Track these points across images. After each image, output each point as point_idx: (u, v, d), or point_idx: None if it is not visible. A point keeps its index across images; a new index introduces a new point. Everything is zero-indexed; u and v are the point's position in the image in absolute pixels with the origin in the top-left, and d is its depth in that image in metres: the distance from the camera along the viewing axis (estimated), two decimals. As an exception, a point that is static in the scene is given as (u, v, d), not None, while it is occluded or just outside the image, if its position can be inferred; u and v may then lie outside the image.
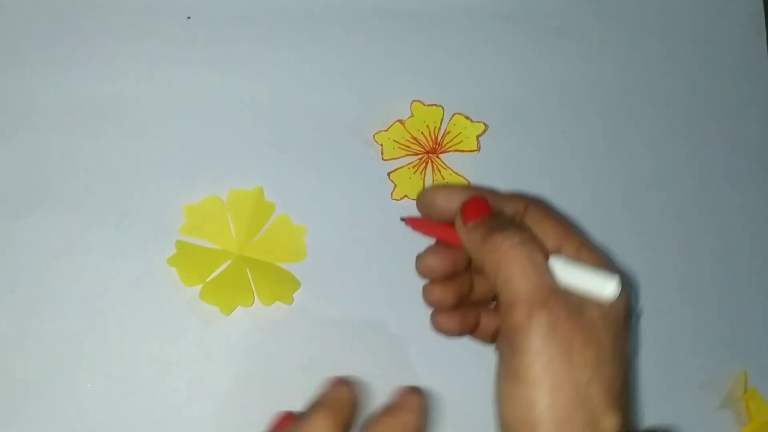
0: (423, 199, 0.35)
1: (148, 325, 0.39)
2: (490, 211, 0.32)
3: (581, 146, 0.47)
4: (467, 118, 0.46)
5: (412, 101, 0.45)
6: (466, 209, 0.32)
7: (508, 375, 0.29)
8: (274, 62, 0.45)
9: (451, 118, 0.45)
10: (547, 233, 0.32)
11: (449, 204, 0.33)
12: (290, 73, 0.45)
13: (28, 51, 0.43)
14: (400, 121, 0.45)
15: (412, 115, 0.45)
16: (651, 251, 0.46)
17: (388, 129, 0.45)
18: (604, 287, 0.29)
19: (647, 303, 0.40)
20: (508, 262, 0.30)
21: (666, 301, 0.44)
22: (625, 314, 0.30)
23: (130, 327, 0.40)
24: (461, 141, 0.45)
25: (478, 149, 0.45)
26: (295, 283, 0.42)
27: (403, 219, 0.36)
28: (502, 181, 0.43)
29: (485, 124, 0.46)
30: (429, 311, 0.37)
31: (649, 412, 0.38)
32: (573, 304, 0.29)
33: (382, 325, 0.42)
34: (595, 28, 0.48)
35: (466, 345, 0.41)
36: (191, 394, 0.40)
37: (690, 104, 0.48)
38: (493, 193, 0.34)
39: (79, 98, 0.42)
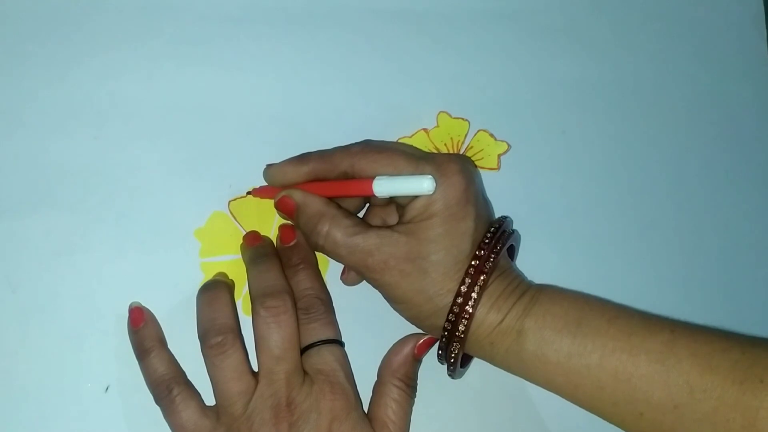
0: (267, 173, 0.41)
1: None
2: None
3: (601, 170, 0.47)
4: (491, 135, 0.45)
5: (440, 112, 0.45)
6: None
7: (409, 258, 0.36)
8: (290, 65, 0.45)
9: (475, 134, 0.45)
10: (377, 161, 0.38)
11: (285, 179, 0.40)
12: (314, 77, 0.45)
13: (28, 51, 0.43)
14: (425, 130, 0.45)
15: (438, 126, 0.45)
16: (652, 251, 0.46)
17: (412, 136, 0.45)
18: (422, 185, 0.35)
19: (649, 302, 0.40)
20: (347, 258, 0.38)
21: (667, 300, 0.44)
22: (460, 199, 0.37)
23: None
24: (482, 158, 0.45)
25: (499, 168, 0.45)
26: (323, 264, 0.42)
27: (249, 192, 0.42)
28: (519, 202, 0.44)
29: (509, 144, 0.46)
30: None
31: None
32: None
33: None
34: (597, 29, 0.48)
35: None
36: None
37: (690, 104, 0.48)
38: (320, 155, 0.39)
39: (79, 98, 0.42)
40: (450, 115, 0.45)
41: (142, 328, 0.39)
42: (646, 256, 0.46)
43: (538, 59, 0.47)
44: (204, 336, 0.37)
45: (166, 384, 0.37)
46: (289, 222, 0.42)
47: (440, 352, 0.38)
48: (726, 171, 0.48)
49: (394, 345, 0.40)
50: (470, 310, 0.36)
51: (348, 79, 0.45)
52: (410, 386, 0.39)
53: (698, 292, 0.46)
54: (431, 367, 0.40)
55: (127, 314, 0.40)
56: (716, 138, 0.48)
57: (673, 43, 0.49)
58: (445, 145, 0.45)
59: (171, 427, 0.37)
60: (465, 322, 0.36)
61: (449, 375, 0.39)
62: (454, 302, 0.36)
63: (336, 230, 0.37)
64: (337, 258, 0.38)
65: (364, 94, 0.45)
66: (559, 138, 0.47)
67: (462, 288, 0.36)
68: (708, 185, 0.47)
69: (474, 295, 0.36)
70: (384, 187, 0.36)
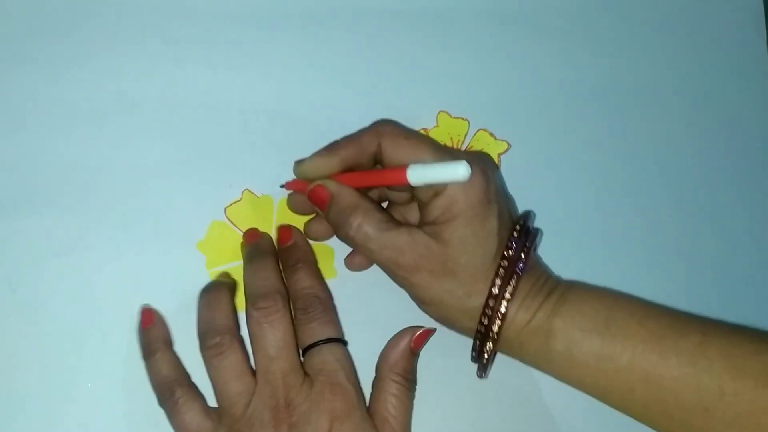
0: (299, 168, 0.40)
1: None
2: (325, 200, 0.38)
3: (601, 170, 0.47)
4: (491, 135, 0.45)
5: (439, 111, 0.45)
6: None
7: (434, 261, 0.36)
8: (290, 65, 0.45)
9: (475, 134, 0.45)
10: (404, 148, 0.37)
11: (317, 172, 0.39)
12: (314, 77, 0.45)
13: (29, 51, 0.43)
14: (425, 129, 0.45)
15: (438, 125, 0.45)
16: (652, 250, 0.46)
17: None
18: (456, 172, 0.34)
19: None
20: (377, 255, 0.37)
21: (667, 299, 0.44)
22: (482, 198, 0.36)
23: (131, 327, 0.40)
24: None
25: (499, 167, 0.45)
26: (329, 253, 0.43)
27: (282, 186, 0.41)
28: (519, 201, 0.44)
29: (509, 143, 0.46)
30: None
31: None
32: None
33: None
34: (597, 29, 0.48)
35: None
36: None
37: (690, 104, 0.48)
38: (349, 142, 0.38)
39: (79, 98, 0.42)
40: (450, 115, 0.45)
41: (150, 329, 0.39)
42: (646, 255, 0.46)
43: (537, 59, 0.47)
44: (202, 337, 0.37)
45: (169, 386, 0.37)
46: (287, 223, 0.42)
47: (474, 352, 0.38)
48: (726, 171, 0.48)
49: (391, 339, 0.39)
50: (503, 310, 0.36)
51: (348, 79, 0.45)
52: (409, 380, 0.39)
53: (698, 291, 0.46)
54: (431, 364, 0.40)
55: (136, 315, 0.40)
56: (716, 138, 0.48)
57: (673, 43, 0.49)
58: (445, 144, 0.45)
59: (175, 429, 0.37)
60: (499, 322, 0.36)
61: (479, 375, 0.39)
62: (487, 303, 0.36)
63: (368, 224, 0.37)
64: (365, 252, 0.38)
65: (364, 94, 0.45)
66: (559, 137, 0.47)
67: (494, 289, 0.36)
68: (708, 184, 0.47)
69: (507, 294, 0.36)
70: (418, 175, 0.35)
